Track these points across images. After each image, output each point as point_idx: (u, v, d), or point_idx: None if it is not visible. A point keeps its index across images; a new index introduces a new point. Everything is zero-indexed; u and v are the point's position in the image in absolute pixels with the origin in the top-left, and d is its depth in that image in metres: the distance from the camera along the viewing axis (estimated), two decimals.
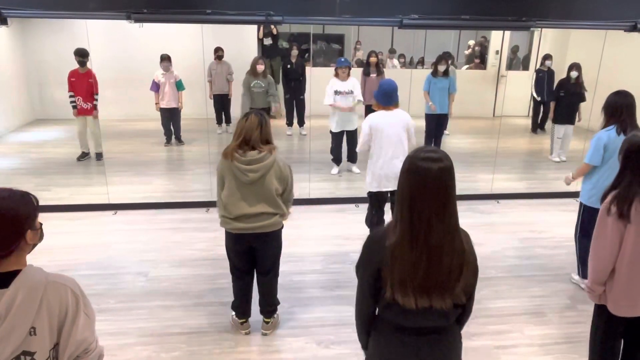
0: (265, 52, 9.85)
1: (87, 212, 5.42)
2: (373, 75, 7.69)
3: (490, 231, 5.21)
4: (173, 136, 8.09)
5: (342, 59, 6.59)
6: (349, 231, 4.95)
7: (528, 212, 5.71)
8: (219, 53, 8.43)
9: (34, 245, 1.63)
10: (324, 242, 4.75)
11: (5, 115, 8.71)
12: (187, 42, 7.95)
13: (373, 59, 7.75)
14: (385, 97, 4.14)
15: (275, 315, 3.51)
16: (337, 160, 6.84)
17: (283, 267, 4.19)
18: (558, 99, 7.37)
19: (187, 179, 6.60)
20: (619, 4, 5.18)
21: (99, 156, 7.12)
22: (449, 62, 7.55)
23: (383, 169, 4.16)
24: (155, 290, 3.97)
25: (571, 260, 4.35)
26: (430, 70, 7.43)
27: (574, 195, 6.10)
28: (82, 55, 6.73)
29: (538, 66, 9.08)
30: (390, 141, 4.11)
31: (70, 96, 6.93)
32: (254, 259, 3.29)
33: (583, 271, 4.03)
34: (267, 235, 3.14)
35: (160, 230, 5.09)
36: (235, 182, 3.03)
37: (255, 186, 3.03)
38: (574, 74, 7.20)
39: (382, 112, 4.16)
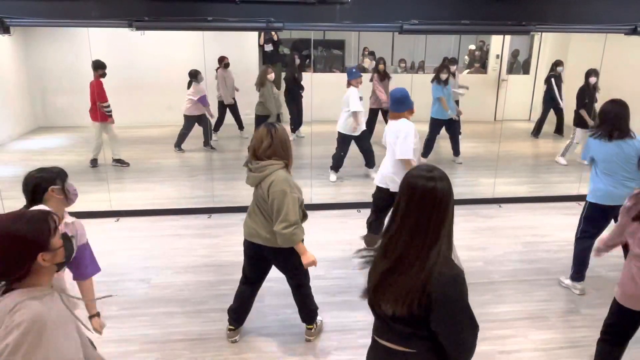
0: (266, 58, 9.90)
1: (90, 219, 5.41)
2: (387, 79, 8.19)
3: (493, 235, 5.20)
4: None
5: (354, 70, 6.62)
6: (352, 237, 4.94)
7: (530, 216, 5.70)
8: (225, 61, 8.46)
9: (63, 264, 1.66)
10: (326, 248, 4.74)
11: (8, 123, 8.75)
12: (189, 49, 8.00)
13: (381, 66, 8.15)
14: (393, 104, 4.14)
15: (318, 321, 3.50)
16: (338, 166, 6.84)
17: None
18: (585, 106, 7.34)
19: (189, 186, 6.61)
20: (618, 8, 5.18)
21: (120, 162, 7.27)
22: (451, 69, 7.64)
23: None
24: (158, 297, 3.97)
25: None
26: (432, 75, 7.51)
27: (576, 198, 6.10)
28: (95, 67, 6.85)
29: (548, 72, 9.07)
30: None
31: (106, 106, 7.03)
32: (264, 270, 3.32)
33: (577, 274, 4.05)
34: (270, 249, 3.10)
35: (162, 236, 5.10)
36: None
37: (255, 196, 3.08)
38: (592, 79, 7.19)
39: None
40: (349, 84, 6.47)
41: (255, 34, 9.58)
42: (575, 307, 3.89)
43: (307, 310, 3.40)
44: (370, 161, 6.80)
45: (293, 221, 2.90)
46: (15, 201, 6.49)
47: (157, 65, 8.26)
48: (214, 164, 6.57)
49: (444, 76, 7.28)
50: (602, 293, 4.02)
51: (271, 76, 7.44)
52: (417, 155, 4.11)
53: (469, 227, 5.41)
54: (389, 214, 1.71)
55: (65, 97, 9.26)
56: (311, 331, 3.43)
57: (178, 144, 8.02)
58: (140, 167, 7.40)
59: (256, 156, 2.98)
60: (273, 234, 2.99)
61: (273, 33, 9.41)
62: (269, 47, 9.70)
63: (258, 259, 3.24)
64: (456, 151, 7.63)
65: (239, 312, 3.40)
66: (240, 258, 4.55)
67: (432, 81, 7.43)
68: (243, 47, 9.47)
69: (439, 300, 1.55)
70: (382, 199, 4.31)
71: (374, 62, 10.70)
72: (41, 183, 2.62)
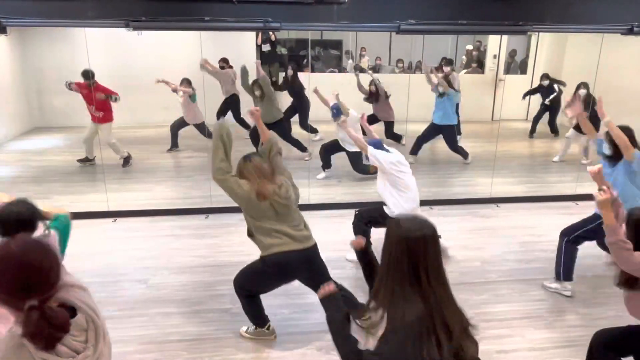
0: (264, 58, 9.89)
1: (87, 219, 5.41)
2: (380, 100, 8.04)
3: (490, 235, 5.21)
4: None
5: (335, 110, 6.36)
6: (349, 237, 4.93)
7: (528, 216, 5.71)
8: (220, 64, 8.45)
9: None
10: (323, 248, 4.68)
11: (5, 123, 8.72)
12: (186, 49, 7.99)
13: (372, 87, 8.02)
14: None
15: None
16: (326, 164, 6.83)
17: None
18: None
19: (186, 186, 6.60)
20: (615, 8, 5.20)
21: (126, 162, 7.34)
22: (445, 70, 7.73)
23: None
24: (155, 298, 3.96)
25: None
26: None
27: (573, 198, 6.12)
28: (85, 76, 6.88)
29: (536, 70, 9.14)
30: None
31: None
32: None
33: (568, 275, 4.00)
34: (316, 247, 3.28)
35: (159, 237, 5.09)
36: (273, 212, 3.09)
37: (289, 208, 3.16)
38: (582, 92, 7.19)
39: None
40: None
41: (253, 34, 9.57)
42: (572, 306, 3.90)
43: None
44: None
45: None
46: None
47: (154, 65, 8.23)
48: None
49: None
50: (599, 292, 4.04)
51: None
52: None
53: (466, 226, 5.42)
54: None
55: (61, 97, 9.19)
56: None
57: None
58: (137, 167, 7.39)
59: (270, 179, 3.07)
60: None
61: (271, 33, 9.40)
62: (266, 47, 9.70)
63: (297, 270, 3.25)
64: (464, 155, 7.59)
65: (262, 312, 3.45)
66: (238, 258, 4.56)
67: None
68: (240, 47, 9.46)
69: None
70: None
71: (369, 62, 10.74)
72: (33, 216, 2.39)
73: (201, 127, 7.95)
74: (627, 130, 3.62)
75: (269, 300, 3.88)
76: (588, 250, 4.79)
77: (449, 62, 8.42)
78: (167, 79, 7.96)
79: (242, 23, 4.82)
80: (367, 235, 4.20)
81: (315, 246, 3.24)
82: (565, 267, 4.00)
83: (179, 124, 8.06)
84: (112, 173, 6.97)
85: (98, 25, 5.03)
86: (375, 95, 7.97)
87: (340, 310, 1.97)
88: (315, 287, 3.18)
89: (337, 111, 6.29)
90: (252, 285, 3.27)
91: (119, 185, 6.51)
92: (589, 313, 3.79)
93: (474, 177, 6.92)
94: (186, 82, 7.74)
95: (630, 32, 5.22)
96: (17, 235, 1.58)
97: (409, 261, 1.62)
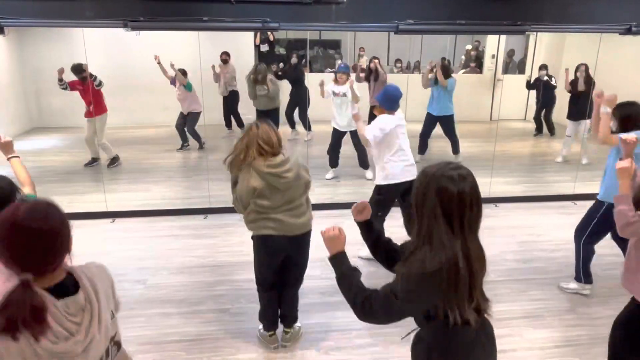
0: (262, 58, 9.90)
1: (85, 220, 5.40)
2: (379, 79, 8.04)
3: (489, 235, 5.20)
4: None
5: (342, 65, 6.88)
6: (348, 237, 4.93)
7: (526, 216, 5.72)
8: (223, 57, 8.51)
9: None
10: (322, 248, 4.70)
11: (3, 123, 8.70)
12: (184, 49, 7.97)
13: (372, 65, 8.06)
14: (389, 102, 4.17)
15: (296, 326, 3.49)
16: (332, 162, 6.87)
17: None
18: (571, 97, 7.50)
19: (185, 186, 6.59)
20: (613, 8, 5.21)
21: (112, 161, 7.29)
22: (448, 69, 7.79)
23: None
24: (154, 298, 3.96)
25: (570, 263, 4.31)
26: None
27: (572, 198, 6.13)
28: (76, 71, 6.85)
29: (534, 70, 9.16)
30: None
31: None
32: (282, 270, 3.23)
33: (588, 276, 3.98)
34: (305, 236, 3.15)
35: (158, 237, 5.08)
36: (270, 189, 2.91)
37: (292, 188, 2.99)
38: (580, 74, 7.35)
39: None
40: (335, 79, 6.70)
41: (251, 34, 9.57)
42: (571, 306, 3.90)
43: (295, 312, 3.43)
44: (365, 162, 6.86)
45: None
46: None
47: (153, 65, 8.21)
48: (210, 164, 6.56)
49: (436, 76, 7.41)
50: (598, 292, 4.04)
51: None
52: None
53: None
54: (425, 227, 1.63)
55: (60, 97, 9.19)
56: (288, 336, 3.41)
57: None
58: (135, 167, 7.39)
59: (268, 152, 2.89)
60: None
61: (269, 33, 9.41)
62: (264, 47, 9.70)
63: (281, 261, 3.18)
64: (456, 149, 7.70)
65: (274, 316, 3.38)
66: (237, 258, 4.57)
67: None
68: (239, 47, 9.46)
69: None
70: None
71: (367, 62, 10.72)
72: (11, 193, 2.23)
73: (194, 118, 7.92)
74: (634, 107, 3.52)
75: None
76: None
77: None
78: (166, 79, 7.97)
79: (241, 23, 4.82)
80: (382, 228, 4.25)
81: (303, 235, 3.12)
82: (584, 269, 3.98)
83: (182, 122, 8.07)
84: (111, 173, 6.97)
85: (96, 26, 5.02)
86: (374, 74, 7.91)
87: (349, 267, 1.93)
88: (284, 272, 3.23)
89: (345, 66, 6.76)
90: (256, 270, 3.26)
91: (117, 185, 6.50)
92: (587, 312, 3.80)
93: None
94: (180, 72, 7.74)
95: (628, 31, 5.22)
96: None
97: (443, 213, 1.58)
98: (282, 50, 10.78)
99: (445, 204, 1.57)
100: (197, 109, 7.90)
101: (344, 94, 6.53)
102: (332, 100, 6.65)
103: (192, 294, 4.02)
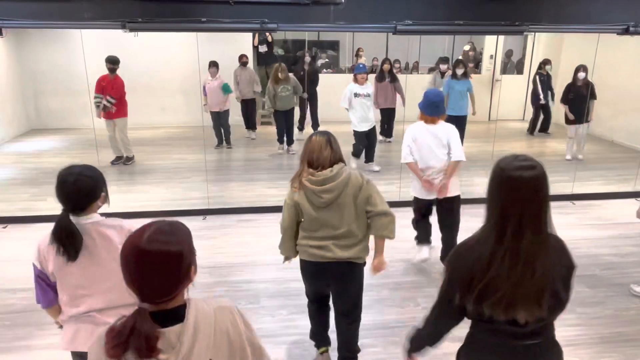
0: (261, 59, 9.89)
1: None
2: (386, 81, 8.09)
3: None
4: (223, 139, 8.35)
5: (361, 65, 7.02)
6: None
7: None
8: (243, 60, 8.56)
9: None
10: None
11: (1, 125, 8.69)
12: (183, 50, 7.97)
13: (386, 66, 8.11)
14: (429, 108, 4.01)
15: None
16: (357, 155, 7.06)
17: (281, 274, 4.19)
18: (569, 101, 7.45)
19: (184, 187, 6.59)
20: (611, 8, 5.22)
21: (127, 160, 7.48)
22: (441, 68, 7.98)
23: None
24: None
25: None
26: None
27: (570, 197, 6.14)
28: (112, 62, 7.01)
29: (535, 70, 9.15)
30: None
31: (96, 97, 7.11)
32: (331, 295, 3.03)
33: None
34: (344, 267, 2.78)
35: None
36: (311, 207, 2.67)
37: (331, 209, 2.66)
38: (581, 75, 7.28)
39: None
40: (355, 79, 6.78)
41: (250, 35, 9.57)
42: (569, 305, 3.88)
43: (353, 347, 3.10)
44: (371, 155, 7.12)
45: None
46: (8, 204, 6.45)
47: (151, 66, 8.22)
48: (209, 165, 6.56)
49: (459, 71, 7.50)
50: (597, 292, 4.05)
51: (282, 75, 7.67)
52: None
53: (464, 227, 5.40)
54: (488, 216, 1.65)
55: (58, 99, 9.22)
56: None
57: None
58: (134, 169, 7.38)
59: (314, 166, 2.64)
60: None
61: (267, 34, 9.40)
62: (263, 48, 9.69)
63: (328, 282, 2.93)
64: None
65: (322, 332, 3.23)
66: (236, 259, 4.57)
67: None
68: (237, 48, 9.45)
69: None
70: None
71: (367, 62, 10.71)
72: (96, 186, 2.18)
73: (224, 116, 8.12)
74: None
75: (266, 302, 3.88)
76: (584, 250, 4.82)
77: (445, 60, 8.49)
78: (164, 80, 7.97)
79: (239, 24, 4.82)
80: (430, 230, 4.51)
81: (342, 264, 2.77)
82: None
83: (218, 122, 8.22)
84: (110, 174, 6.95)
85: (94, 27, 5.01)
86: (391, 75, 8.01)
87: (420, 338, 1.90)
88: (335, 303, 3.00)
89: (364, 66, 6.92)
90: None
91: (116, 186, 6.49)
92: (586, 312, 3.79)
93: (471, 177, 6.92)
94: (213, 65, 7.88)
95: (626, 32, 5.23)
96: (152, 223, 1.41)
97: (500, 204, 1.60)
98: (280, 52, 10.77)
99: (507, 199, 1.58)
100: (228, 105, 8.20)
101: (368, 95, 6.61)
102: (351, 102, 6.68)
103: (191, 295, 4.00)
